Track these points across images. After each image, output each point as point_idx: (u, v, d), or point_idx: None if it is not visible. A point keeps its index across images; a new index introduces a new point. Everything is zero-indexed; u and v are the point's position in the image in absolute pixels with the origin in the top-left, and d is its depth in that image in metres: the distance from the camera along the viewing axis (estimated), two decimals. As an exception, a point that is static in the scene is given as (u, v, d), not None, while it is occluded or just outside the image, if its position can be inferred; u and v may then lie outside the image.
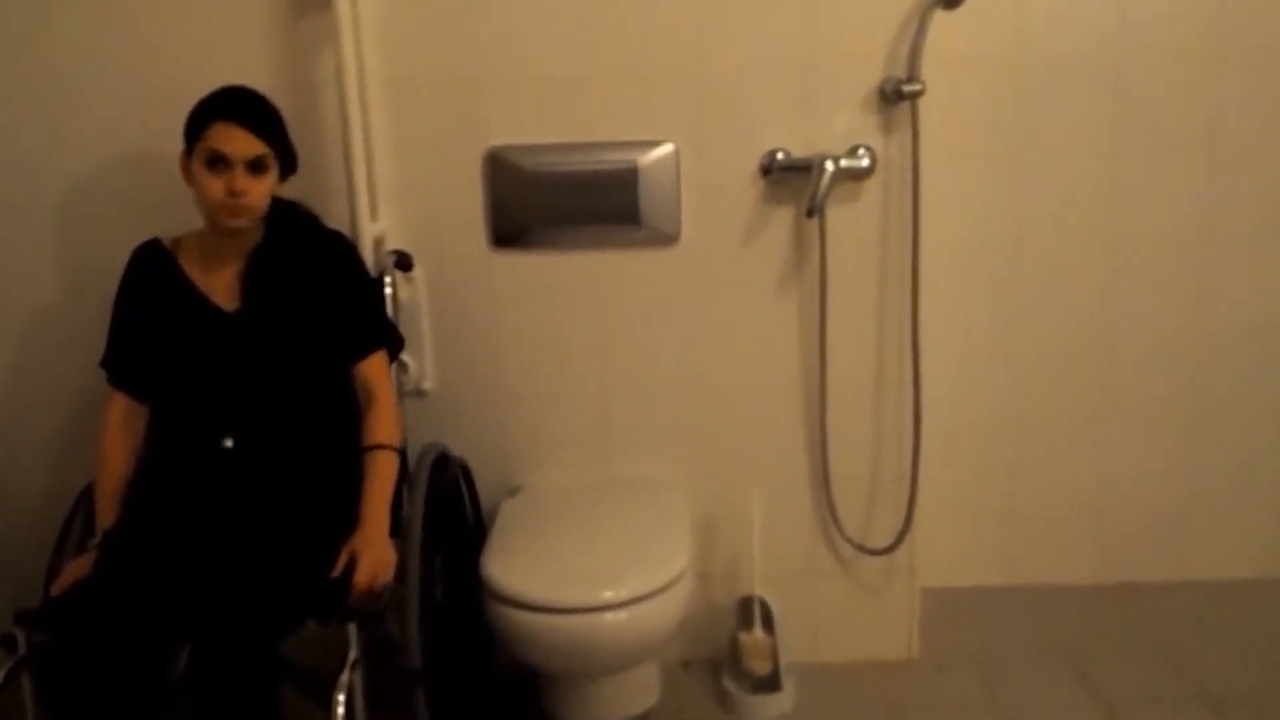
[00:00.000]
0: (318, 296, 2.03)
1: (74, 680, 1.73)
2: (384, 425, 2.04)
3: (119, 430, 2.06)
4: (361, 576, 1.87)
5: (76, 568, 1.89)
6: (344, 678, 1.77)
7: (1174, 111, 2.63)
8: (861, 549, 2.50)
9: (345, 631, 1.82)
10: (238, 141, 1.91)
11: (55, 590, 1.87)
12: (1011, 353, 2.76)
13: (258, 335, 2.00)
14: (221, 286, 2.01)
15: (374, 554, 1.90)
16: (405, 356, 2.39)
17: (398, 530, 2.03)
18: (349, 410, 2.11)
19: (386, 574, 1.91)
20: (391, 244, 2.33)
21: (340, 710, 1.74)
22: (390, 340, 2.15)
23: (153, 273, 2.04)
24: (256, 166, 1.93)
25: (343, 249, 2.10)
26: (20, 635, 1.81)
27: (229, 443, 1.97)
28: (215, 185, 1.91)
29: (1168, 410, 2.82)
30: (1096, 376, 2.78)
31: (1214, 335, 2.76)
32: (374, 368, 2.08)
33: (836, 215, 2.34)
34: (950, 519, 2.82)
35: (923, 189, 2.32)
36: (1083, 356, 2.77)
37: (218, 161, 1.91)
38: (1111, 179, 2.66)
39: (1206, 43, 2.59)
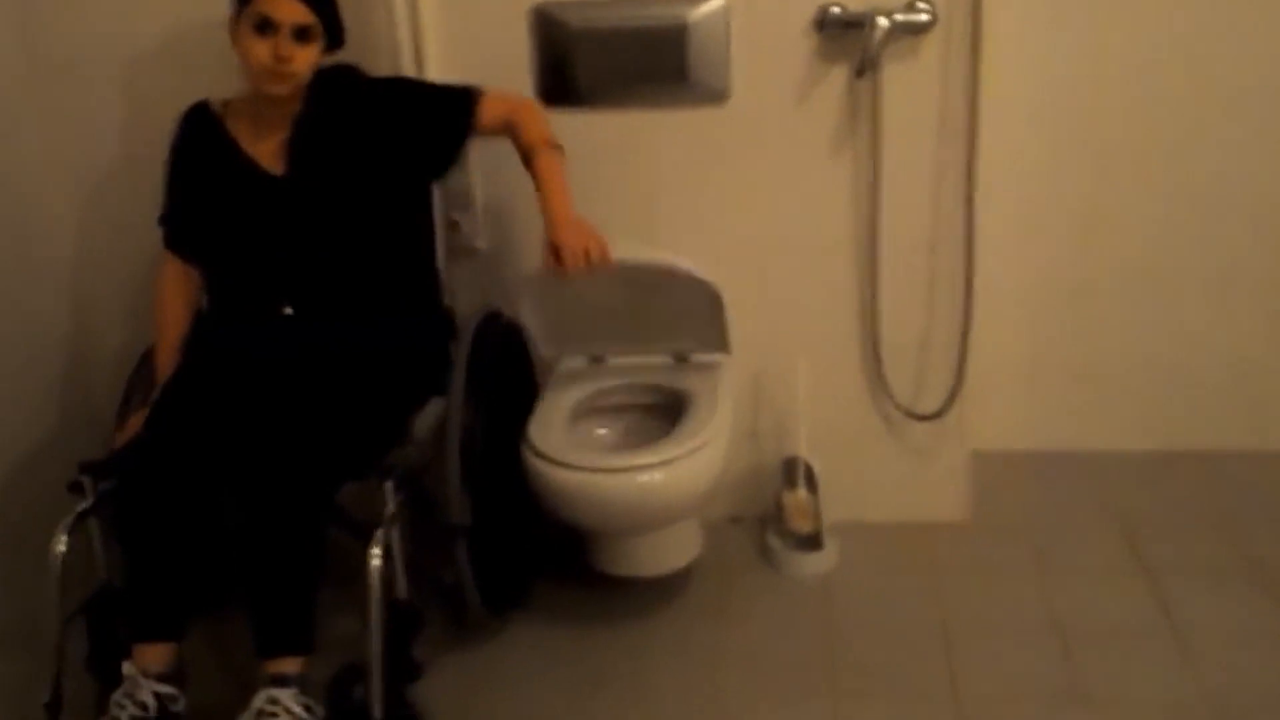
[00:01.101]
0: (376, 142, 2.05)
1: (137, 522, 1.86)
2: (534, 126, 2.10)
3: (173, 289, 2.14)
4: (569, 261, 1.96)
5: (139, 420, 2.00)
6: (380, 533, 1.85)
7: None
8: (909, 414, 2.49)
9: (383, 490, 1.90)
10: (286, 7, 1.91)
11: (119, 441, 2.00)
12: (1082, 211, 2.65)
13: (307, 199, 2.03)
14: (269, 151, 2.04)
15: (571, 237, 1.98)
16: (457, 215, 2.42)
17: (445, 388, 2.10)
18: (407, 273, 2.16)
19: (596, 246, 1.98)
20: (439, 102, 2.33)
21: (375, 563, 1.83)
22: (475, 88, 2.14)
23: (201, 136, 2.08)
24: (303, 35, 1.93)
25: (385, 82, 2.13)
26: (87, 483, 1.94)
27: (288, 309, 2.04)
28: (262, 49, 1.91)
29: (1251, 271, 2.69)
30: (1173, 236, 2.66)
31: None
32: (491, 109, 2.12)
33: (894, 72, 2.26)
34: (1013, 382, 2.78)
35: (985, 46, 2.22)
36: (1159, 215, 2.64)
37: (266, 26, 1.91)
38: (1198, 34, 2.49)
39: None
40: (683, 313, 2.34)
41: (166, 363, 2.10)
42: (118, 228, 2.46)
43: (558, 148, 2.08)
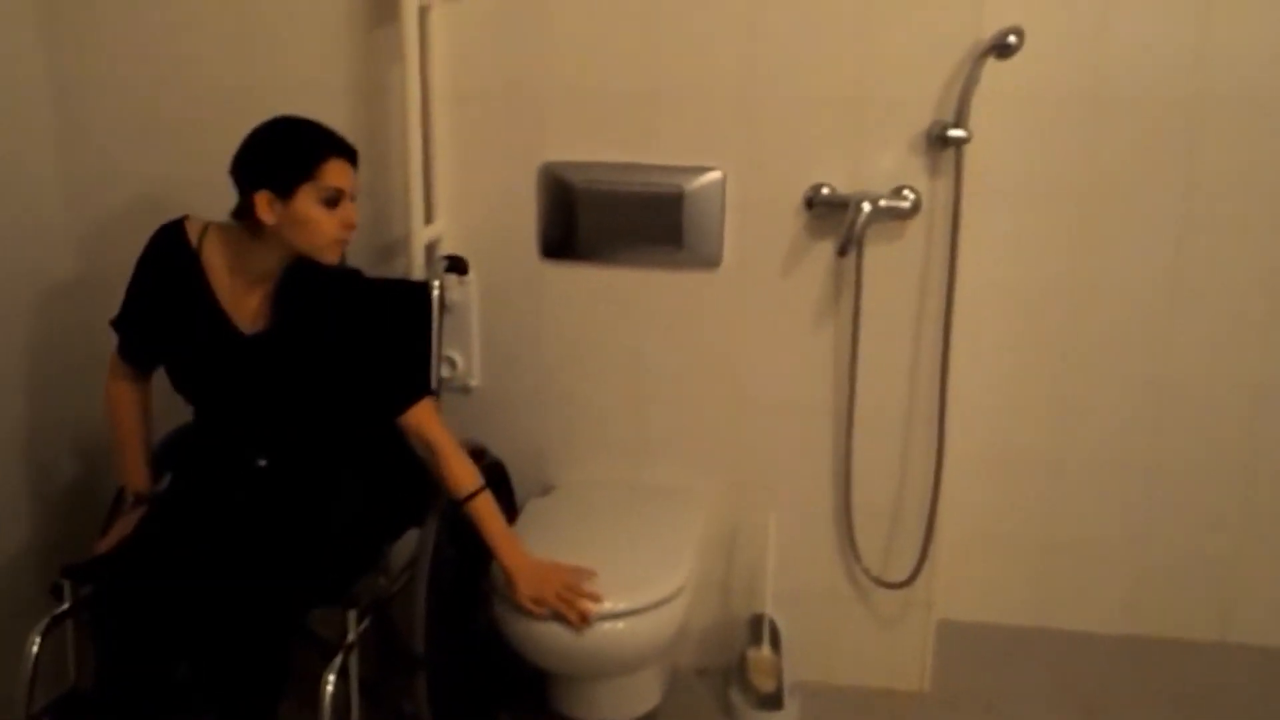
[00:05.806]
0: (343, 336, 2.05)
1: (113, 629, 1.91)
2: (458, 472, 2.08)
3: (125, 401, 2.14)
4: (537, 612, 2.02)
5: (124, 525, 2.07)
6: (337, 660, 1.90)
7: (1246, 159, 2.54)
8: (878, 581, 2.54)
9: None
10: (350, 176, 1.97)
11: (101, 547, 2.06)
12: (1054, 392, 2.73)
13: (279, 361, 2.03)
14: (244, 306, 2.02)
15: (532, 589, 2.02)
16: (453, 353, 2.52)
17: (422, 520, 2.17)
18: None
19: (554, 593, 2.02)
20: (447, 248, 2.45)
21: (329, 689, 1.87)
22: (427, 390, 2.17)
23: (173, 264, 2.03)
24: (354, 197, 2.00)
25: (364, 293, 2.10)
26: (67, 587, 2.01)
27: (263, 462, 2.08)
28: (330, 222, 1.93)
29: (1220, 462, 2.74)
30: (1144, 423, 2.72)
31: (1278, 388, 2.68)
32: (419, 418, 2.09)
33: (877, 252, 2.38)
34: (982, 554, 2.83)
35: (964, 234, 2.34)
36: (1131, 400, 2.71)
37: (336, 198, 1.94)
38: (1175, 224, 2.60)
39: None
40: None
41: (132, 471, 2.14)
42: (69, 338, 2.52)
43: (484, 488, 2.10)
